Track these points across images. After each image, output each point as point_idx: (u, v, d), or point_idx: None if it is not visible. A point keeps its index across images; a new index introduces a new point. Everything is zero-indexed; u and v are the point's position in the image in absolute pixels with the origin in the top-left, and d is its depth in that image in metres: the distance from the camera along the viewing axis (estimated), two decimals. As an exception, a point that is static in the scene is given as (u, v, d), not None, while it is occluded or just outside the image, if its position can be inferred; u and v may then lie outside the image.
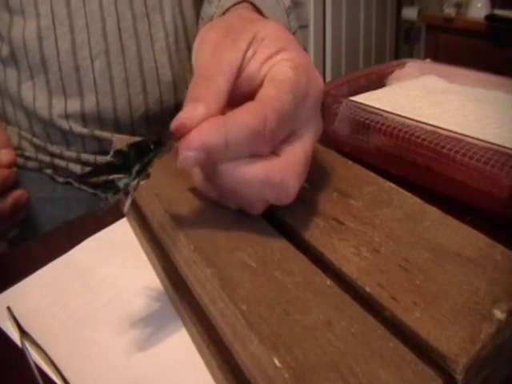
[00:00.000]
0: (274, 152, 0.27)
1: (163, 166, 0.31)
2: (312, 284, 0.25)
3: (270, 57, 0.29)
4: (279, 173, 0.26)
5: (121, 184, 0.25)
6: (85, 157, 0.59)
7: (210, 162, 0.26)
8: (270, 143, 0.26)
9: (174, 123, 0.25)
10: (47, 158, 0.60)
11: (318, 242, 0.28)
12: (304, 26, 0.59)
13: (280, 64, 0.28)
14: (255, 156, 0.27)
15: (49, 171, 0.61)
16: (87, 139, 0.58)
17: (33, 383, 0.27)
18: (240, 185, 0.27)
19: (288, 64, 0.28)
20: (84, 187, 0.60)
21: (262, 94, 0.27)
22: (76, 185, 0.60)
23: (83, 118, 0.57)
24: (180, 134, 0.25)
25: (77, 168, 0.60)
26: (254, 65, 0.29)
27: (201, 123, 0.25)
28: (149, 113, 0.59)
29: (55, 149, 0.59)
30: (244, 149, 0.26)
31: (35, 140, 0.60)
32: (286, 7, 0.51)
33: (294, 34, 0.53)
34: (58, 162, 0.60)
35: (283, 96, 0.27)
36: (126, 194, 0.26)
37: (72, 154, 0.59)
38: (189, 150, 0.25)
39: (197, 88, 0.27)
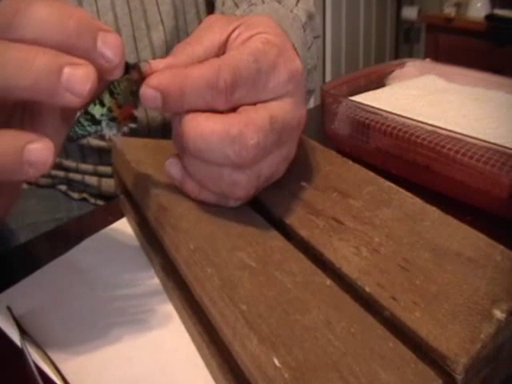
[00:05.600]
0: (236, 112, 0.28)
1: (163, 166, 0.31)
2: (312, 284, 0.25)
3: (250, 37, 0.30)
4: (237, 124, 0.26)
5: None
6: (101, 169, 0.58)
7: (170, 110, 0.28)
8: (225, 98, 0.27)
9: (145, 65, 0.28)
10: (61, 173, 0.59)
11: (318, 241, 0.28)
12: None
13: (253, 38, 0.30)
14: (216, 113, 0.27)
15: (63, 187, 0.60)
16: (104, 152, 0.57)
17: (33, 383, 0.27)
18: (201, 141, 0.27)
19: (260, 40, 0.29)
20: (100, 202, 0.60)
21: (224, 54, 0.29)
22: (92, 200, 0.60)
23: None
24: (146, 76, 0.28)
25: (93, 180, 0.58)
26: (236, 44, 0.30)
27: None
28: (166, 125, 0.58)
29: (70, 163, 0.58)
30: (199, 100, 0.27)
31: None
32: (303, 23, 0.51)
33: (309, 48, 0.53)
34: (73, 175, 0.59)
35: (242, 56, 0.28)
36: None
37: (88, 167, 0.58)
38: (147, 87, 0.27)
39: (175, 48, 0.30)
